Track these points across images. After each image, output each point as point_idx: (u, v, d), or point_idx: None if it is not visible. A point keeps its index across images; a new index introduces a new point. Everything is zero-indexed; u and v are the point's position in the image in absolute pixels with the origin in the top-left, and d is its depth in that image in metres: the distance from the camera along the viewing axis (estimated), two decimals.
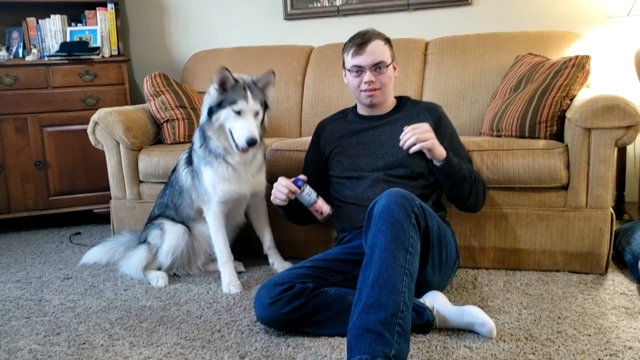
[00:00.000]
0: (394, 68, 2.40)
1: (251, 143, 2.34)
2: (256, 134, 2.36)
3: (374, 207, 1.90)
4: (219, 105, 2.39)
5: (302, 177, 2.33)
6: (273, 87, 2.52)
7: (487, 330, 1.93)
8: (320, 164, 2.52)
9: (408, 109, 2.43)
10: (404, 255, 1.78)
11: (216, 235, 2.55)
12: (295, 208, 2.39)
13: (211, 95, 2.42)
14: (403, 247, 1.79)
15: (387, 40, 2.38)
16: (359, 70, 2.32)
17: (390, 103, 2.45)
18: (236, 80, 2.38)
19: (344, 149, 2.43)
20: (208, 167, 2.50)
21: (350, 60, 2.33)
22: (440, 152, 2.21)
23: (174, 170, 2.76)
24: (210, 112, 2.41)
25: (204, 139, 2.49)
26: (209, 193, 2.52)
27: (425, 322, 1.97)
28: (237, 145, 2.39)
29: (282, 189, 2.31)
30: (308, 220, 2.48)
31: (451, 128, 2.43)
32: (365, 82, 2.31)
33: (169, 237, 2.62)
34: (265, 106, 2.47)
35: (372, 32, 2.36)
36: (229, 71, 2.36)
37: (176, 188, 2.67)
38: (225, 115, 2.39)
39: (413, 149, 2.17)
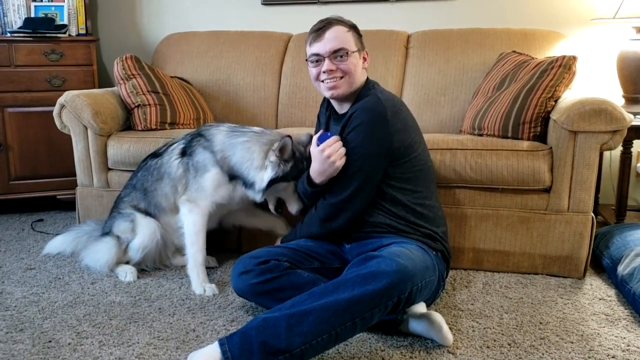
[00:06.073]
0: (364, 59, 2.14)
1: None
2: None
3: (374, 259, 1.81)
4: (284, 177, 2.26)
5: None
6: None
7: (442, 336, 1.87)
8: None
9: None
10: (344, 322, 1.68)
11: (196, 236, 2.40)
12: None
13: (274, 165, 2.24)
14: (351, 317, 1.69)
15: (353, 27, 2.12)
16: (318, 58, 2.09)
17: (351, 100, 2.15)
18: (294, 153, 2.26)
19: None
20: (217, 169, 2.36)
21: (309, 49, 2.12)
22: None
23: (153, 155, 2.60)
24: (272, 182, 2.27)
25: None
26: (206, 191, 2.38)
27: (392, 320, 1.94)
28: (277, 209, 2.44)
29: (339, 144, 2.03)
30: None
31: (352, 143, 2.03)
32: (324, 72, 2.07)
33: (142, 232, 2.49)
34: None
35: (334, 18, 2.11)
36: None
37: (154, 174, 2.52)
38: (283, 186, 2.31)
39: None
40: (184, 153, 2.46)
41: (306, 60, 2.18)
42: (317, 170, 2.06)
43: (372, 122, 2.00)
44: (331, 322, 1.66)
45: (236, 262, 2.13)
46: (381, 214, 2.09)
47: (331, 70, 2.07)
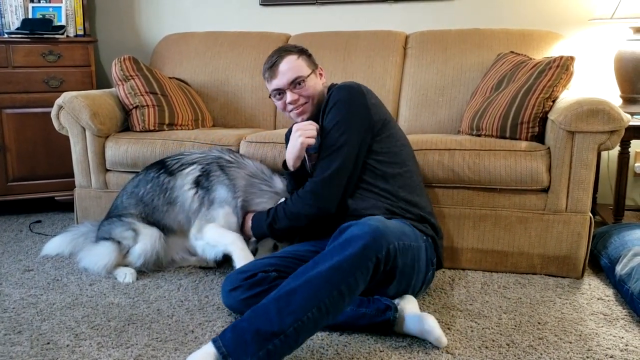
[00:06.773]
0: (320, 74, 2.28)
1: None
2: None
3: (347, 229, 1.83)
4: None
5: None
6: None
7: (434, 339, 1.88)
8: None
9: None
10: (330, 292, 1.69)
11: (219, 234, 2.42)
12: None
13: None
14: (336, 286, 1.70)
15: (301, 51, 2.24)
16: (280, 92, 2.22)
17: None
18: None
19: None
20: (231, 208, 2.44)
21: (269, 86, 2.25)
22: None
23: (164, 169, 2.57)
24: None
25: None
26: (217, 220, 2.44)
27: (386, 321, 1.94)
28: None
29: (311, 127, 2.16)
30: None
31: (334, 120, 2.13)
32: (289, 103, 2.21)
33: (144, 240, 2.48)
34: None
35: (282, 49, 2.25)
36: None
37: (167, 195, 2.52)
38: None
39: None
40: (198, 182, 2.48)
41: (270, 97, 2.30)
42: (288, 148, 2.22)
43: (349, 97, 2.14)
44: (318, 294, 1.67)
45: (225, 279, 2.14)
46: (374, 197, 2.14)
47: (295, 100, 2.20)
